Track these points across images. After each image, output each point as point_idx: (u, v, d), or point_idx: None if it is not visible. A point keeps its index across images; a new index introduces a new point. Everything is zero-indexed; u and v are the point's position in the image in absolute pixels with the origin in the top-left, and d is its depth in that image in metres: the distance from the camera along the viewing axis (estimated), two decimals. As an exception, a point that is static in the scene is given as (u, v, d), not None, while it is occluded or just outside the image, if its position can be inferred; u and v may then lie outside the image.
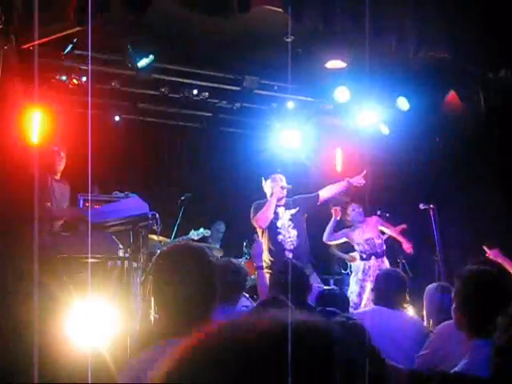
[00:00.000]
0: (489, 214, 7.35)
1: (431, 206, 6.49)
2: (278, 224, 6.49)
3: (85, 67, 7.32)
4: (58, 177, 6.19)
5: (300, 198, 6.71)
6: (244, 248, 8.33)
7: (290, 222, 6.53)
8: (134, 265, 5.55)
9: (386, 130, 8.42)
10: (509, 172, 7.09)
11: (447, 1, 5.31)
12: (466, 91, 7.31)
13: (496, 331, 2.01)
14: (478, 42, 5.51)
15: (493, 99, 7.24)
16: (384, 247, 7.39)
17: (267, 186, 6.72)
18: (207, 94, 8.08)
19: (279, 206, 6.58)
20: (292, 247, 6.43)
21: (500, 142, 7.28)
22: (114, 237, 4.86)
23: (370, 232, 7.33)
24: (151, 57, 7.11)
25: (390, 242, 7.64)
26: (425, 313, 4.50)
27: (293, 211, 6.58)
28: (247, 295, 7.24)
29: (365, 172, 6.66)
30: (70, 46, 6.56)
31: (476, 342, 2.63)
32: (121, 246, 4.94)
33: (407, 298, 4.39)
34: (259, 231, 6.68)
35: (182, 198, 7.74)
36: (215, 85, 8.08)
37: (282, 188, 6.55)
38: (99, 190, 8.43)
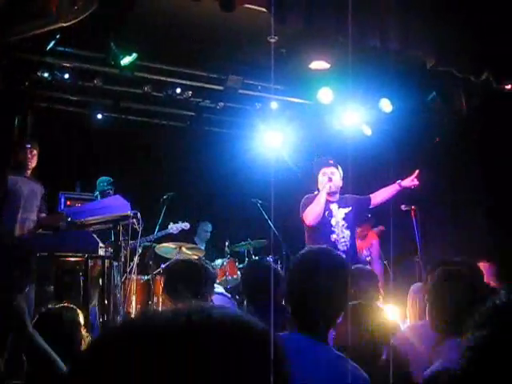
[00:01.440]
0: (471, 215, 7.42)
1: (413, 207, 6.50)
2: (333, 222, 5.90)
3: (67, 64, 7.27)
4: (28, 174, 6.12)
5: (353, 198, 6.14)
6: (226, 248, 8.31)
7: (344, 222, 5.94)
8: (116, 264, 5.54)
9: (368, 131, 8.45)
10: (489, 172, 7.16)
11: (430, 4, 5.33)
12: (449, 94, 7.38)
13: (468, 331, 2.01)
14: (461, 45, 5.55)
15: (474, 102, 7.33)
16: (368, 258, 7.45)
17: (319, 181, 6.07)
18: (190, 92, 8.05)
19: (332, 202, 5.99)
20: (345, 248, 5.82)
21: (481, 144, 7.36)
22: (94, 235, 4.82)
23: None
24: (134, 55, 7.08)
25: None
26: (408, 313, 4.51)
27: (346, 210, 6.00)
28: (229, 295, 7.24)
29: (417, 172, 6.08)
30: (53, 42, 6.51)
31: (449, 342, 2.61)
32: (101, 245, 4.91)
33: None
34: (308, 229, 5.96)
35: (165, 196, 7.71)
36: (199, 84, 8.06)
37: (330, 180, 5.92)
38: (81, 188, 8.41)
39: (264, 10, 4.58)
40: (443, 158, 7.80)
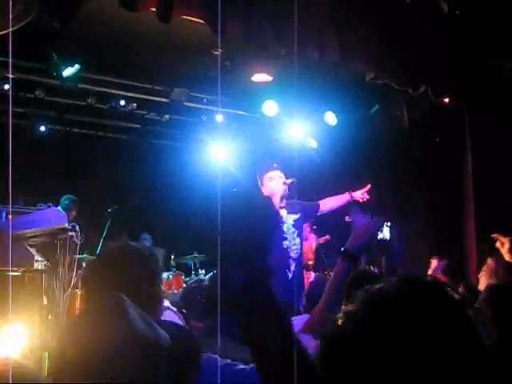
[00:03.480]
0: (415, 220, 7.61)
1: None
2: (284, 228, 5.63)
3: (7, 74, 7.13)
4: None
5: (301, 204, 5.89)
6: (172, 261, 8.24)
7: (294, 229, 5.70)
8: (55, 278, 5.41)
9: (314, 144, 8.52)
10: (432, 182, 7.35)
11: (367, 19, 5.44)
12: (391, 106, 7.53)
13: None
14: (398, 60, 5.67)
15: (416, 114, 7.49)
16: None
17: (265, 185, 5.79)
18: (135, 105, 8.00)
19: (281, 207, 5.74)
20: (296, 256, 5.60)
21: (424, 156, 7.56)
22: (28, 248, 4.70)
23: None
24: (77, 66, 6.99)
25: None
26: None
27: (295, 216, 5.77)
28: (175, 309, 7.14)
29: (369, 186, 5.94)
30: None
31: None
32: (38, 259, 4.79)
33: None
34: None
35: (109, 210, 7.61)
36: (143, 96, 8.01)
37: (285, 184, 5.62)
38: (23, 202, 8.23)
39: (202, 21, 4.58)
40: (388, 169, 7.94)
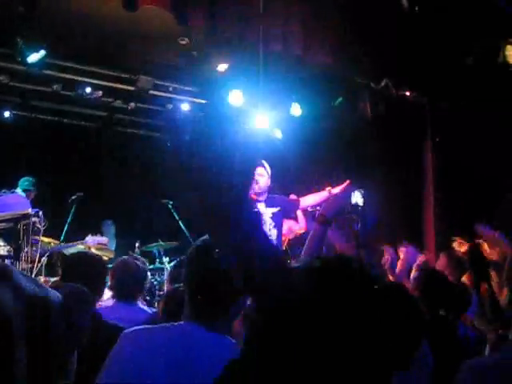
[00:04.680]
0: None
1: (317, 207, 6.66)
2: (264, 218, 5.87)
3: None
4: None
5: (282, 198, 6.16)
6: (136, 249, 8.26)
7: (271, 221, 5.95)
8: (17, 264, 5.41)
9: (279, 134, 8.61)
10: (393, 176, 7.53)
11: (330, 13, 5.54)
12: (354, 99, 7.66)
13: None
14: (360, 53, 5.79)
15: (379, 108, 7.64)
16: None
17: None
18: (101, 92, 7.97)
19: (259, 201, 5.97)
20: None
21: (386, 148, 7.72)
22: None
23: None
24: (42, 52, 6.94)
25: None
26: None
27: (274, 210, 6.01)
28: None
29: (348, 182, 6.03)
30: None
31: None
32: (0, 244, 4.80)
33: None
34: None
35: (73, 197, 7.58)
36: (109, 84, 7.99)
37: (256, 183, 5.89)
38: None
39: (167, 11, 4.63)
40: (352, 161, 8.07)
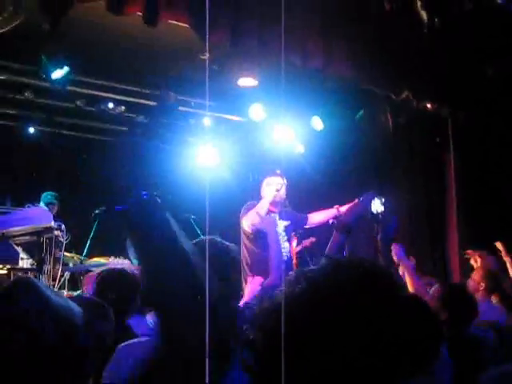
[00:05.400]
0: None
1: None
2: (279, 230, 5.67)
3: (-4, 76, 7.20)
4: None
5: (292, 213, 6.20)
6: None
7: (284, 234, 5.96)
8: (40, 278, 5.45)
9: (301, 149, 8.60)
10: (415, 186, 7.49)
11: (350, 26, 5.55)
12: (375, 112, 7.63)
13: None
14: (380, 66, 5.78)
15: (400, 120, 7.61)
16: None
17: (263, 189, 6.05)
18: (123, 108, 8.05)
19: (273, 212, 5.95)
20: (286, 258, 5.70)
21: (408, 160, 7.69)
22: (14, 246, 4.76)
23: None
24: (66, 68, 7.04)
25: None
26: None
27: (286, 223, 6.04)
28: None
29: (356, 201, 5.75)
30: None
31: None
32: (23, 257, 4.85)
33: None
34: (249, 235, 5.83)
35: (97, 211, 7.64)
36: (132, 99, 8.07)
37: (277, 191, 5.87)
38: (11, 203, 8.26)
39: (187, 26, 4.67)
40: (373, 174, 8.03)
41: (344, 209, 6.00)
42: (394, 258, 4.51)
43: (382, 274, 1.12)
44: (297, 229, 6.46)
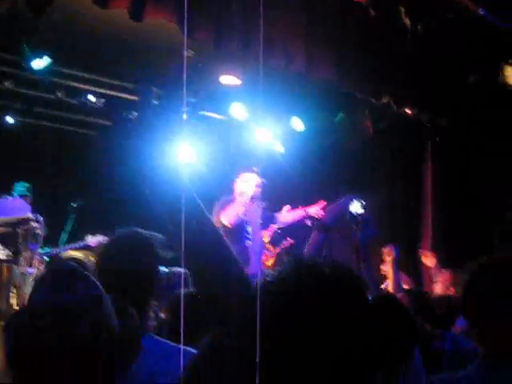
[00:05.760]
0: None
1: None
2: (249, 229, 5.86)
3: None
4: None
5: (263, 211, 6.12)
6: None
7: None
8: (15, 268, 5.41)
9: (281, 149, 8.62)
10: (394, 190, 7.56)
11: (332, 30, 5.59)
12: (355, 115, 7.70)
13: None
14: (362, 70, 5.83)
15: (380, 124, 7.68)
16: None
17: (237, 184, 6.02)
18: (103, 100, 8.00)
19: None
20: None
21: (388, 163, 7.76)
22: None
23: None
24: (47, 59, 6.98)
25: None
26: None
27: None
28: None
29: (324, 204, 5.96)
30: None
31: None
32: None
33: None
34: (224, 230, 5.56)
35: (74, 205, 7.59)
36: (112, 92, 8.02)
37: (257, 187, 5.85)
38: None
39: (173, 23, 4.67)
40: (353, 176, 8.09)
41: (312, 210, 6.10)
42: (389, 258, 4.57)
43: (342, 279, 1.11)
44: (264, 226, 6.43)
